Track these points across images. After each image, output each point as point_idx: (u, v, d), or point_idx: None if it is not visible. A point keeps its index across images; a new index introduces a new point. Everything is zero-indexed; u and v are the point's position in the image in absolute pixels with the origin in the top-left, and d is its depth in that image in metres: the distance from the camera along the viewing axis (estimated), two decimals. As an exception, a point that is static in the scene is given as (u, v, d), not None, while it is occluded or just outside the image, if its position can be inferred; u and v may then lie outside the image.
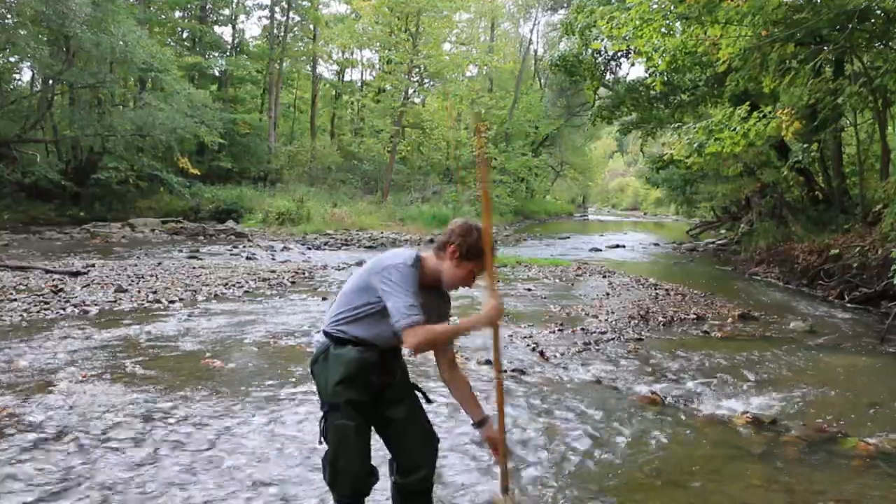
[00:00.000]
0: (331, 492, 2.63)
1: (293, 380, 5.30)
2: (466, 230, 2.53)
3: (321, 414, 2.57)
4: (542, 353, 6.44)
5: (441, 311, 2.68)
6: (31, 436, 3.90)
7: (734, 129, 10.15)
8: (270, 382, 5.21)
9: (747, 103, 11.19)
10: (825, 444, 4.19)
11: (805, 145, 13.20)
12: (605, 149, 73.43)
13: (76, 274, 10.62)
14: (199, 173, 26.62)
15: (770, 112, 10.29)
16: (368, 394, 2.54)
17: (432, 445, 2.70)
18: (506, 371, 5.72)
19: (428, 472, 2.67)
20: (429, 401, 2.75)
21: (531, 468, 3.70)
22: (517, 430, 4.29)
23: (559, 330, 7.64)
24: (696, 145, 10.86)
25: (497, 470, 3.61)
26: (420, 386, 2.79)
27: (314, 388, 4.91)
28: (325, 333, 2.58)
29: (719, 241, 22.13)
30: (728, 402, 5.05)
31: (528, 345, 6.81)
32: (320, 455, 3.72)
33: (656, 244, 24.20)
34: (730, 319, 8.52)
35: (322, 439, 2.58)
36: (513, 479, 3.49)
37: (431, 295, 2.59)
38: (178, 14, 33.41)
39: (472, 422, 2.71)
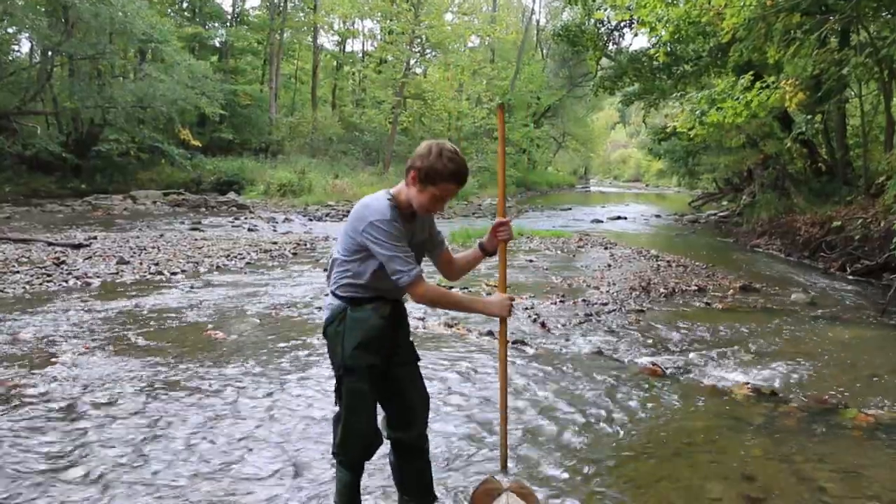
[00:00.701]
0: (337, 456, 2.65)
1: (296, 351, 5.31)
2: (424, 152, 2.45)
3: (336, 376, 2.58)
4: (543, 325, 6.45)
5: (431, 233, 2.71)
6: (37, 408, 3.91)
7: (737, 99, 10.03)
8: (273, 354, 5.22)
9: (750, 73, 11.02)
10: (825, 415, 4.19)
11: (808, 116, 13.04)
12: (608, 120, 72.91)
13: (78, 246, 10.61)
14: (200, 145, 26.51)
15: (773, 82, 10.15)
16: (382, 357, 2.57)
17: (427, 409, 2.76)
18: (507, 342, 5.71)
19: (422, 431, 2.73)
20: (418, 358, 2.77)
21: (529, 440, 3.70)
22: (517, 401, 4.29)
23: (561, 301, 7.65)
24: (698, 113, 10.74)
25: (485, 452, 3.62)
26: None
27: (317, 358, 5.02)
28: (337, 295, 2.55)
29: (721, 213, 22.06)
30: (729, 373, 5.05)
31: (529, 316, 6.82)
32: (322, 425, 3.78)
33: (658, 216, 24.15)
34: (731, 291, 8.51)
35: (337, 401, 2.60)
36: (512, 454, 3.49)
37: (415, 223, 2.59)
38: (177, -17, 32.97)
39: (485, 248, 2.75)
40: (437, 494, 2.90)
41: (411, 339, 2.77)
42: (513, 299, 2.59)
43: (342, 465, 2.66)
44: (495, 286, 2.52)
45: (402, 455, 2.74)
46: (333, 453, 2.67)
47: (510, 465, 3.19)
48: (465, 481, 3.15)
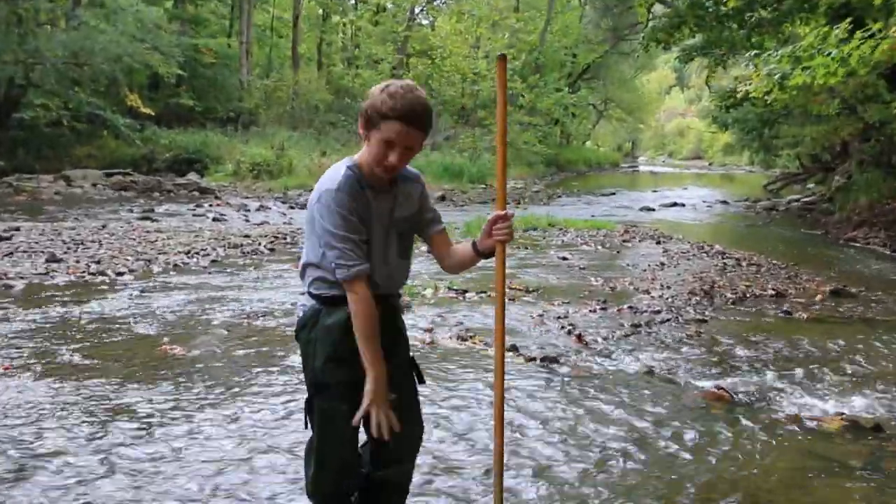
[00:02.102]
0: (310, 496, 2.71)
1: (272, 368, 5.29)
2: (369, 93, 2.46)
3: (308, 393, 2.61)
4: (579, 337, 6.43)
5: (422, 207, 2.68)
6: (-56, 441, 3.89)
7: (829, 55, 9.89)
8: (244, 373, 5.20)
9: (848, 19, 10.86)
10: (942, 454, 4.13)
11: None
12: (661, 82, 72.77)
13: (-5, 239, 10.65)
14: (152, 113, 26.60)
15: (880, 30, 9.98)
16: (363, 371, 2.52)
17: (419, 438, 2.78)
18: (533, 359, 5.69)
19: (410, 466, 2.77)
20: (422, 381, 2.77)
21: (558, 479, 3.64)
22: (538, 433, 4.24)
23: (601, 308, 7.63)
24: (777, 77, 10.62)
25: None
26: (417, 363, 2.80)
27: (300, 379, 4.97)
28: (311, 294, 2.57)
29: (806, 198, 21.95)
30: (816, 400, 4.99)
31: (562, 326, 6.79)
32: (303, 461, 3.75)
33: (724, 202, 24.03)
34: (819, 297, 8.45)
35: (308, 424, 2.63)
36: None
37: (393, 193, 2.58)
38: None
39: (478, 250, 2.67)
40: None
41: (412, 353, 2.76)
42: (389, 414, 2.47)
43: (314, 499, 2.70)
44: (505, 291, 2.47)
45: (378, 495, 2.75)
46: (308, 493, 2.72)
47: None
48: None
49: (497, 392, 2.69)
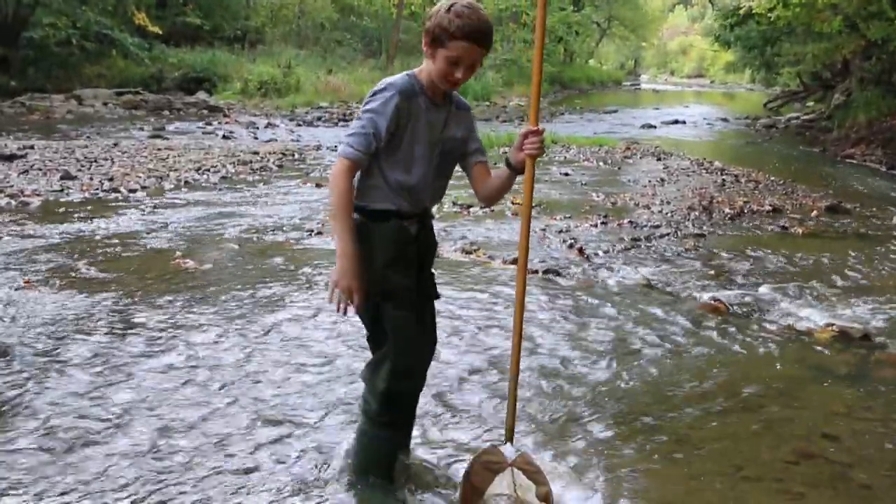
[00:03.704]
0: (375, 415, 2.60)
1: (284, 282, 5.31)
2: (434, 10, 2.46)
3: (370, 312, 2.58)
4: (580, 251, 6.43)
5: (468, 136, 2.68)
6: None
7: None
8: (256, 286, 5.22)
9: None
10: (928, 363, 4.16)
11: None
12: (665, 0, 70.86)
13: (10, 158, 10.57)
14: (160, 32, 26.03)
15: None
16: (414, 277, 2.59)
17: (431, 353, 2.76)
18: (536, 272, 5.71)
19: (422, 381, 2.72)
20: (437, 296, 2.77)
21: (560, 391, 3.69)
22: (540, 345, 4.28)
23: (602, 223, 7.62)
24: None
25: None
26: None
27: (310, 290, 5.01)
28: (357, 208, 2.53)
29: (805, 116, 21.71)
30: (809, 311, 4.99)
31: (563, 240, 6.79)
32: (317, 370, 3.81)
33: (725, 119, 23.76)
34: (814, 212, 8.43)
35: (372, 344, 2.63)
36: (530, 410, 3.49)
37: (447, 111, 2.60)
38: None
39: (512, 166, 2.65)
40: (425, 457, 2.94)
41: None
42: (356, 291, 2.42)
43: (383, 426, 2.61)
44: (521, 204, 2.46)
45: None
46: (365, 411, 2.65)
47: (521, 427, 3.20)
48: (464, 439, 3.15)
49: (518, 305, 2.66)
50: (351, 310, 2.49)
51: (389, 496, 2.67)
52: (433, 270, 2.77)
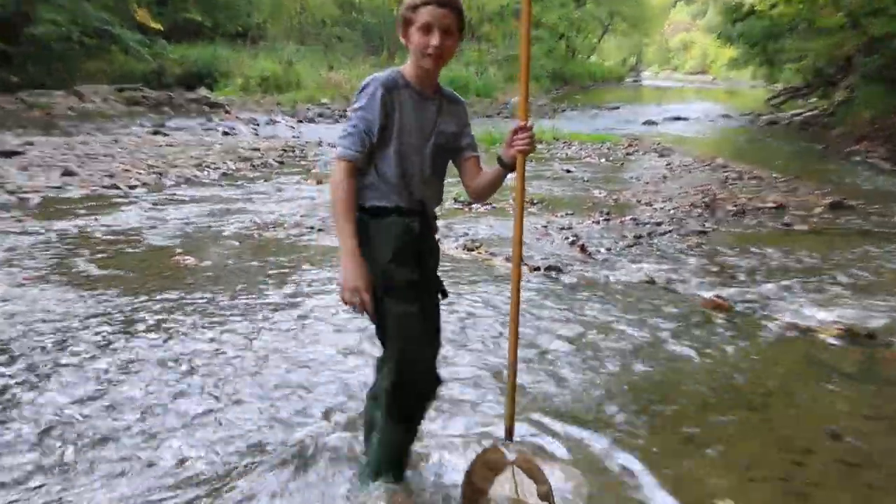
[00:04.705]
0: (386, 407, 2.57)
1: (285, 279, 5.30)
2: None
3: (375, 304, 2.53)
4: (582, 248, 6.42)
5: (461, 129, 2.66)
6: (-34, 348, 3.92)
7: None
8: (257, 283, 5.21)
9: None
10: (934, 361, 4.13)
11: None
12: (667, -5, 70.76)
13: (10, 154, 10.56)
14: (161, 28, 25.99)
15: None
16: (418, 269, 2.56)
17: (437, 350, 2.72)
18: (538, 269, 5.69)
19: (429, 376, 2.66)
20: (444, 294, 2.73)
21: (560, 390, 3.66)
22: (541, 342, 4.25)
23: (604, 220, 7.61)
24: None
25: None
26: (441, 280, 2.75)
27: (311, 287, 4.99)
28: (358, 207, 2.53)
29: (808, 112, 21.62)
30: (813, 309, 4.96)
31: (565, 237, 6.78)
32: (319, 367, 3.79)
33: (727, 116, 23.73)
34: (818, 209, 8.40)
35: (381, 338, 2.59)
36: (531, 409, 3.47)
37: (437, 103, 2.59)
38: None
39: (503, 162, 2.63)
40: (426, 455, 2.92)
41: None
42: (363, 291, 2.40)
43: (392, 418, 2.58)
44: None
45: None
46: (380, 406, 2.61)
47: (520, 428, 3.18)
48: (464, 437, 3.12)
49: (513, 302, 2.64)
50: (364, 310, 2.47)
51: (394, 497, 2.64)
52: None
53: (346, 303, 2.45)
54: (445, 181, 2.69)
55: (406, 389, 2.54)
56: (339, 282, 2.43)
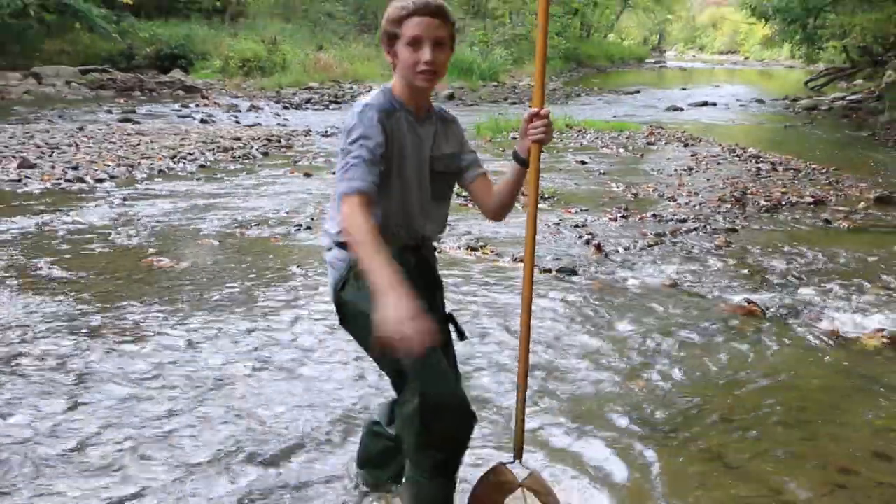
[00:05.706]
0: (416, 463, 2.48)
1: (267, 281, 5.32)
2: (385, 14, 2.46)
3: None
4: (598, 247, 6.43)
5: (461, 148, 2.63)
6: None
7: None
8: (238, 286, 5.23)
9: None
10: None
11: None
12: (694, -34, 70.85)
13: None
14: (130, 3, 26.03)
15: None
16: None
17: (459, 385, 2.66)
18: (549, 270, 5.70)
19: (463, 414, 2.54)
20: (462, 336, 2.67)
21: (574, 403, 3.68)
22: (552, 351, 4.27)
23: (622, 217, 7.62)
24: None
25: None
26: (454, 316, 2.69)
27: (298, 291, 5.01)
28: (341, 244, 2.45)
29: (852, 97, 21.60)
30: (856, 315, 4.97)
31: (580, 236, 6.80)
32: (307, 378, 3.80)
33: (760, 100, 23.70)
34: (862, 204, 8.40)
35: (397, 386, 2.48)
36: (542, 425, 3.48)
37: (433, 126, 2.55)
38: None
39: (519, 158, 2.59)
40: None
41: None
42: (426, 326, 2.11)
43: (423, 473, 2.47)
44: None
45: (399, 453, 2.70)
46: (409, 460, 2.51)
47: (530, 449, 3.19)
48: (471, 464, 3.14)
49: (523, 320, 2.62)
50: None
51: None
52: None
53: (390, 345, 2.13)
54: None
55: (438, 432, 2.41)
56: (385, 323, 2.09)
